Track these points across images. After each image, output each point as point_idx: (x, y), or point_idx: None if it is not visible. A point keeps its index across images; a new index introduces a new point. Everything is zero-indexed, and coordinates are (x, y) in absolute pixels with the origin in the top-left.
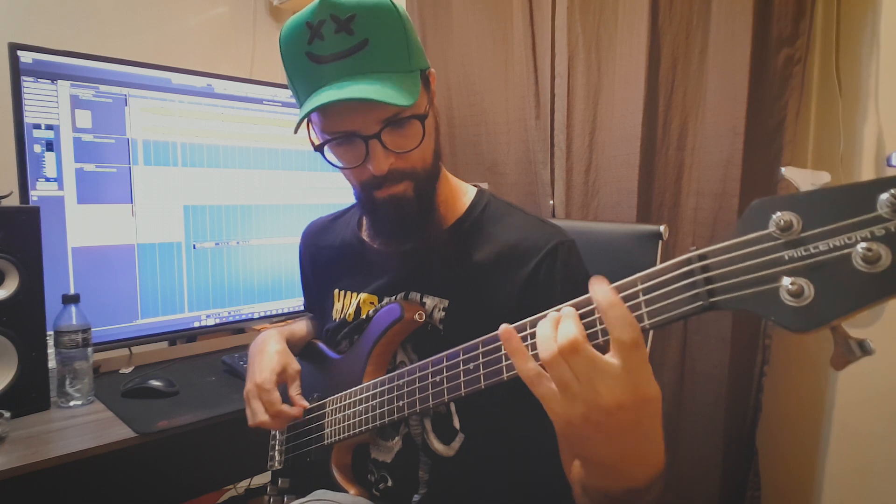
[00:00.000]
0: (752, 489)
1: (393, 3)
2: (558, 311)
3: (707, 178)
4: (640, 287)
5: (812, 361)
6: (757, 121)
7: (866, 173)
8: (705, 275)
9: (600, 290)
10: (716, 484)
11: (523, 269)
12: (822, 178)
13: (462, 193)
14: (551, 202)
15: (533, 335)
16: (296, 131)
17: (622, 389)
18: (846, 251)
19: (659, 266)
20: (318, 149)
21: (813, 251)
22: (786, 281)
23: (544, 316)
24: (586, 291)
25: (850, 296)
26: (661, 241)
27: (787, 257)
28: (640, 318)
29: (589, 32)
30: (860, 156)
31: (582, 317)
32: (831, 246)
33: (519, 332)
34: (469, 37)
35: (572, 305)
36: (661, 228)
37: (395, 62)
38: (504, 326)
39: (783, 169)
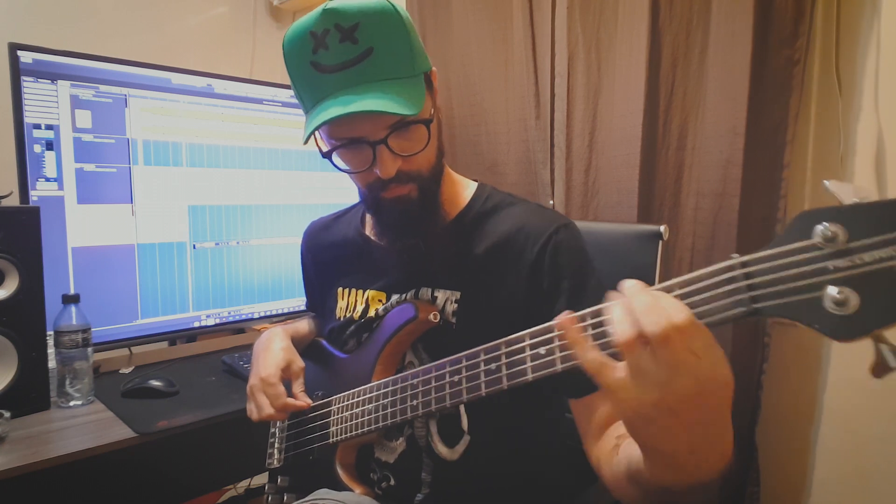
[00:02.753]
0: (751, 485)
1: (395, 9)
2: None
3: (707, 178)
4: (677, 292)
5: (810, 360)
6: (757, 121)
7: (866, 173)
8: (748, 281)
9: (631, 287)
10: (714, 488)
11: (527, 254)
12: (864, 192)
13: (463, 188)
14: (551, 202)
15: (594, 326)
16: (305, 142)
17: (694, 374)
18: (892, 263)
19: (698, 272)
20: (327, 155)
21: (858, 262)
22: (831, 290)
23: (565, 314)
24: (591, 272)
25: (894, 306)
26: (661, 242)
27: (832, 267)
28: None
29: (589, 32)
30: (860, 156)
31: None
32: (877, 258)
33: (546, 335)
34: (469, 37)
35: (600, 308)
36: (662, 228)
37: (399, 68)
38: (562, 316)
39: (826, 182)
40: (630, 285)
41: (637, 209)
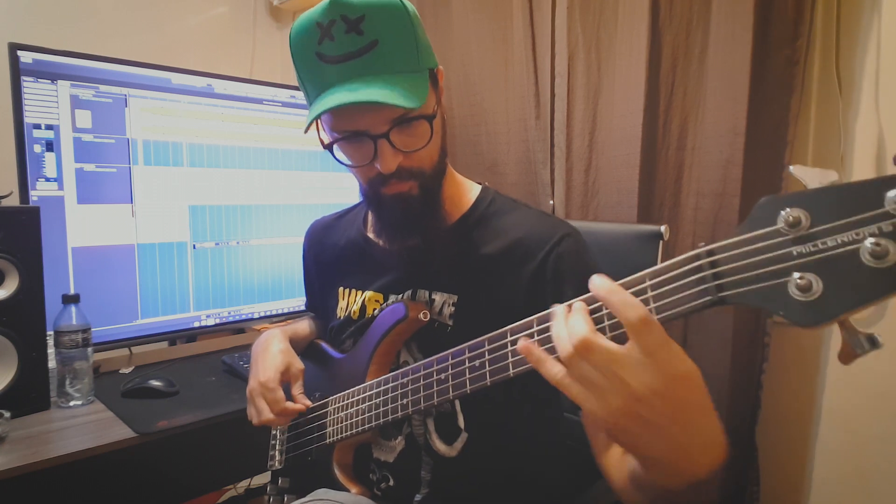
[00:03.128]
0: (751, 485)
1: (403, 3)
2: (568, 307)
3: (707, 178)
4: (648, 283)
5: (810, 360)
6: (757, 121)
7: (866, 173)
8: (714, 270)
9: (597, 281)
10: (715, 480)
11: (530, 262)
12: (829, 177)
13: (467, 190)
14: (551, 202)
15: (542, 331)
16: (306, 131)
17: (650, 374)
18: (854, 246)
19: (667, 262)
20: (328, 147)
21: (821, 247)
22: (794, 276)
23: (549, 314)
24: None
25: (858, 290)
26: (661, 242)
27: (795, 253)
28: None
29: (589, 32)
30: (860, 156)
31: (592, 312)
32: (839, 241)
33: (527, 330)
34: (469, 37)
35: (582, 301)
36: (662, 228)
37: (404, 62)
38: (522, 342)
39: (791, 167)
40: (597, 284)
41: (637, 209)
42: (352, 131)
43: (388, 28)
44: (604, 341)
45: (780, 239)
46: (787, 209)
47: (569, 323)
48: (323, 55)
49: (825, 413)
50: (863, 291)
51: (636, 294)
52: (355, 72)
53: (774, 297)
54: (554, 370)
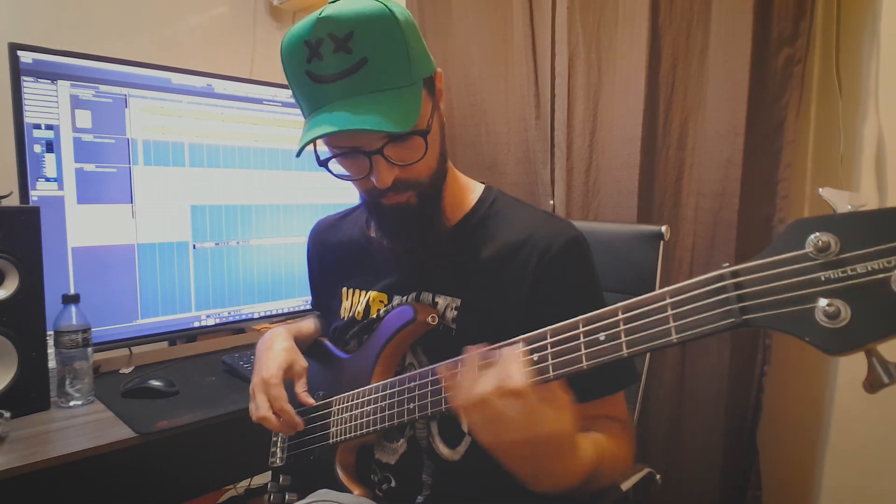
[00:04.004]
0: (752, 489)
1: (392, 13)
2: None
3: (707, 178)
4: (668, 301)
5: (812, 362)
6: (757, 121)
7: (866, 173)
8: (738, 292)
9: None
10: (716, 484)
11: (532, 264)
12: (859, 200)
13: (469, 190)
14: (551, 202)
15: (555, 343)
16: (298, 155)
17: (515, 429)
18: (885, 275)
19: (688, 281)
20: (323, 164)
21: (851, 273)
22: (822, 302)
23: (539, 333)
24: (596, 286)
25: (887, 319)
26: (661, 242)
27: (823, 278)
28: (667, 332)
29: (589, 32)
30: (860, 156)
31: (531, 352)
32: (869, 269)
33: (540, 341)
34: (469, 37)
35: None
36: (662, 229)
37: (395, 78)
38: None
39: (820, 190)
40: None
41: (637, 209)
42: (347, 147)
43: (378, 44)
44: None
45: (809, 263)
46: (817, 233)
47: (481, 376)
48: (313, 74)
49: (830, 416)
50: (892, 320)
51: (655, 312)
52: (346, 91)
53: (800, 322)
54: (458, 400)
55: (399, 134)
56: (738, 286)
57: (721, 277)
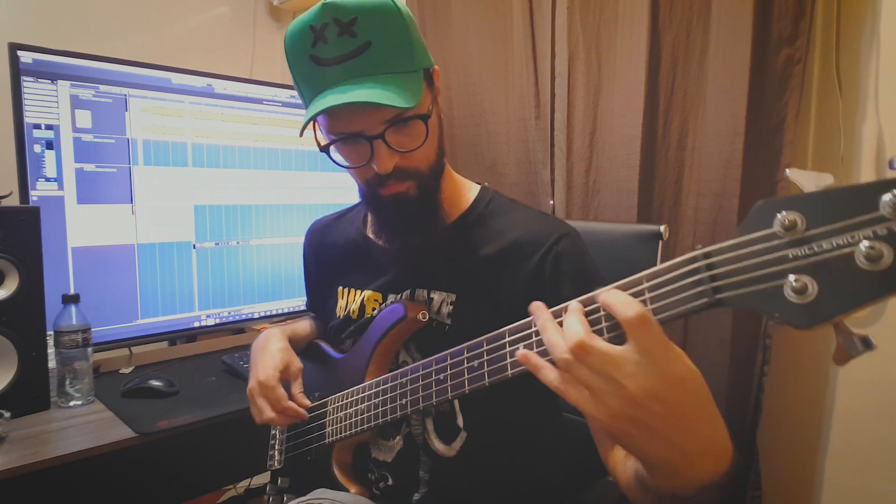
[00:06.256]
0: (753, 489)
1: (395, 4)
2: (564, 308)
3: (707, 178)
4: (645, 284)
5: (813, 362)
6: (757, 121)
7: (866, 173)
8: (710, 272)
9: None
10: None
11: (528, 262)
12: (825, 180)
13: (466, 190)
14: (551, 202)
15: (536, 333)
16: (301, 134)
17: (646, 375)
18: (849, 250)
19: (664, 264)
20: (324, 149)
21: (817, 249)
22: (790, 278)
23: (535, 318)
24: (596, 280)
25: (852, 293)
26: (661, 242)
27: (791, 255)
28: None
29: (589, 32)
30: (860, 156)
31: (588, 314)
32: (834, 245)
33: (525, 331)
34: (469, 37)
35: (578, 302)
36: (662, 229)
37: (397, 63)
38: (521, 352)
39: (787, 171)
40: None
41: (637, 209)
42: (347, 133)
43: (381, 29)
44: (599, 343)
45: (776, 242)
46: (783, 212)
47: (564, 325)
48: (317, 58)
49: (830, 416)
50: (857, 294)
51: (634, 295)
52: (349, 74)
53: (770, 298)
54: (551, 376)
55: (401, 118)
56: (710, 266)
57: (694, 259)
